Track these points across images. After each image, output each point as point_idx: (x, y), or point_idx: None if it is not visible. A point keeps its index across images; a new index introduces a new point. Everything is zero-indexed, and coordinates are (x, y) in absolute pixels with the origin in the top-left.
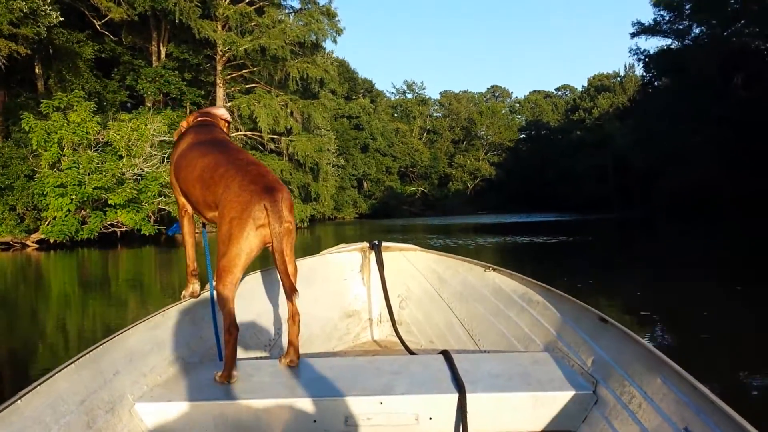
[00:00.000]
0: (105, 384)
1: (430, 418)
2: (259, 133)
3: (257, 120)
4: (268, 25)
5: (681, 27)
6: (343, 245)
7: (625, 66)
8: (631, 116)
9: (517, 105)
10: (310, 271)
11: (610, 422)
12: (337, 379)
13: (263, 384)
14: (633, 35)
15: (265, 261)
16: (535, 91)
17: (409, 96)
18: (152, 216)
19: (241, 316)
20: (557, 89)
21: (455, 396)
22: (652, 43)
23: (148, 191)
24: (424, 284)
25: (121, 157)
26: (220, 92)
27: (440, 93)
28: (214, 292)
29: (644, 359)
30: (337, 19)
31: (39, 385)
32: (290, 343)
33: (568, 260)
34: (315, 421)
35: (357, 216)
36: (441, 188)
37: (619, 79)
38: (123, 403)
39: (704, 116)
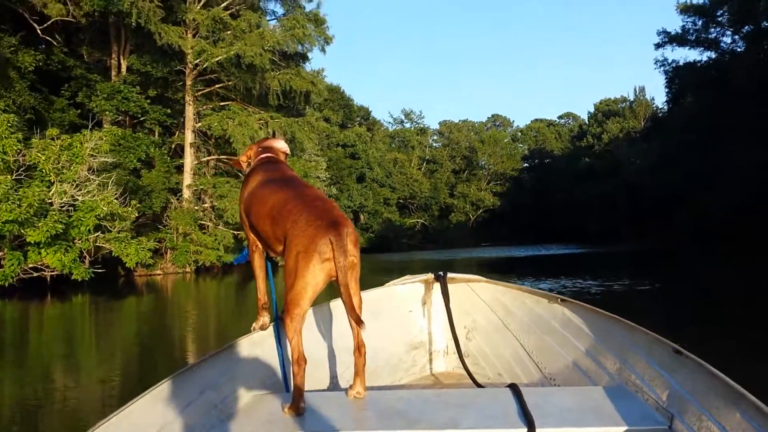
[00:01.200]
0: (178, 415)
1: None
2: (234, 157)
3: (231, 141)
4: (244, 30)
5: (713, 36)
6: (408, 276)
7: (635, 90)
8: (646, 140)
9: (519, 134)
10: (376, 303)
11: None
12: (405, 412)
13: (331, 416)
14: (658, 46)
15: (332, 293)
16: (537, 119)
17: (408, 125)
18: (87, 256)
19: (309, 348)
20: (560, 117)
21: (525, 431)
22: (678, 54)
23: (82, 225)
24: (491, 316)
25: (51, 184)
26: (190, 110)
27: (439, 123)
28: (282, 325)
29: (722, 393)
30: (325, 26)
31: (115, 415)
32: (356, 374)
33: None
34: None
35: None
36: (442, 220)
37: (628, 103)
38: None
39: (743, 133)
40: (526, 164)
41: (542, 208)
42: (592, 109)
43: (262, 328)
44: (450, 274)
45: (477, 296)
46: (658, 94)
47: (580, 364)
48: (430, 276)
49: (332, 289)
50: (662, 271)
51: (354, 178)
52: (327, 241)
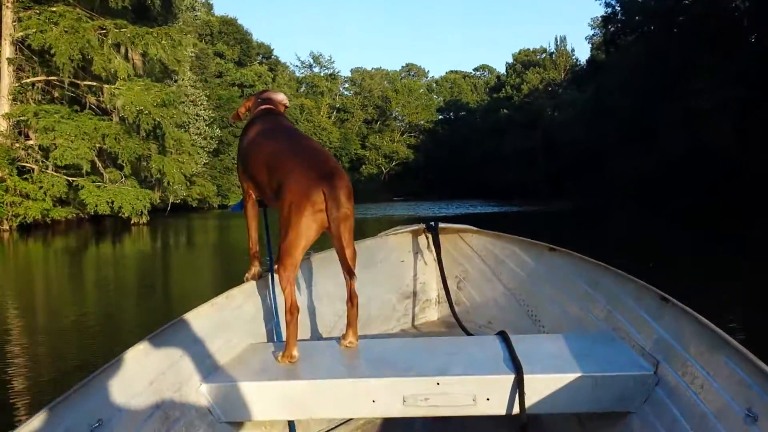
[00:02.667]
0: (172, 365)
1: (488, 399)
2: (62, 79)
3: (53, 54)
4: None
5: None
6: (399, 227)
7: (556, 39)
8: (568, 92)
9: (435, 84)
10: (368, 252)
11: (671, 403)
12: (395, 360)
13: (323, 364)
14: None
15: (326, 243)
16: (452, 71)
17: (316, 70)
18: None
19: (302, 298)
20: (476, 69)
21: (512, 377)
22: None
23: None
24: (481, 265)
25: None
26: (8, 16)
27: (351, 70)
28: (275, 275)
29: (707, 339)
30: None
31: (109, 366)
32: (349, 324)
33: None
34: (374, 401)
35: None
36: (353, 172)
37: (548, 54)
38: (189, 384)
39: (715, 76)
40: (441, 116)
41: (458, 163)
42: (510, 61)
43: (254, 277)
44: (441, 225)
45: (468, 246)
46: (579, 47)
47: (569, 312)
48: (422, 226)
49: (327, 240)
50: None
51: None
52: (320, 192)
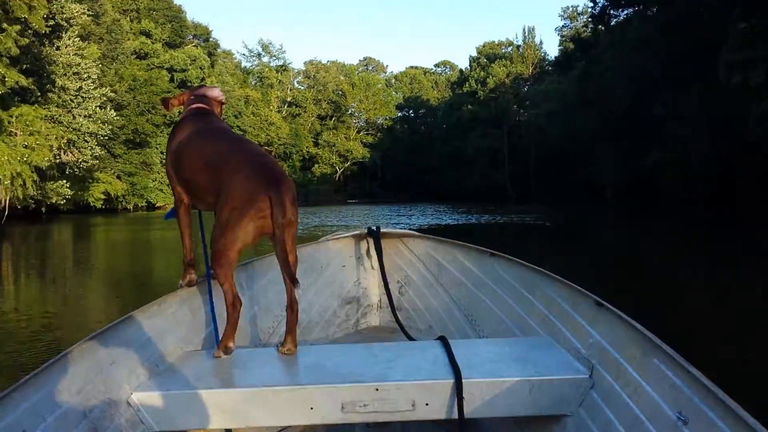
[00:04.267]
0: (101, 374)
1: (427, 404)
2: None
3: None
4: None
5: None
6: (340, 232)
7: (524, 30)
8: (538, 85)
9: (394, 80)
10: (309, 258)
11: (606, 406)
12: (335, 367)
13: (261, 372)
14: None
15: (265, 249)
16: (412, 66)
17: (265, 60)
18: None
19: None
20: (437, 65)
21: (452, 382)
22: None
23: None
24: (423, 270)
25: None
26: None
27: (305, 62)
28: (212, 274)
29: (640, 343)
30: None
31: (33, 376)
32: (288, 331)
33: None
34: (312, 408)
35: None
36: (304, 172)
37: (514, 46)
38: (120, 393)
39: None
40: (400, 114)
41: (418, 163)
42: (474, 54)
43: (189, 284)
44: (383, 229)
45: (410, 251)
46: (547, 42)
47: (508, 317)
48: (363, 231)
49: (265, 245)
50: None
51: None
52: (265, 198)
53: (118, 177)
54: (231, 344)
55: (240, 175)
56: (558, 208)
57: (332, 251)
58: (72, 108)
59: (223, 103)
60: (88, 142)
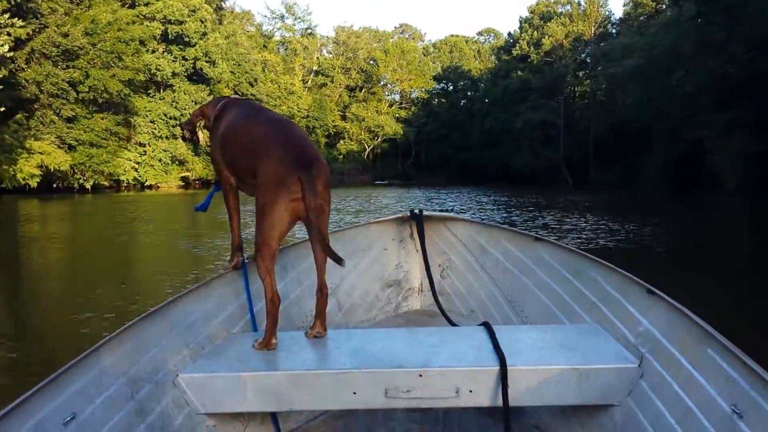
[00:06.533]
0: (148, 356)
1: (471, 391)
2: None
3: None
4: None
5: None
6: (384, 215)
7: None
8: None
9: (432, 48)
10: (352, 241)
11: (656, 397)
12: (378, 351)
13: (305, 355)
14: None
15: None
16: (453, 35)
17: (289, 22)
18: None
19: (282, 287)
20: (480, 33)
21: (496, 369)
22: None
23: None
24: (466, 254)
25: None
26: None
27: (334, 27)
28: (250, 266)
29: (692, 332)
30: None
31: (83, 358)
32: (317, 315)
33: None
34: (355, 393)
35: (182, 185)
36: (329, 149)
37: (573, 4)
38: (166, 375)
39: None
40: (438, 86)
41: (456, 141)
42: (525, 14)
43: (236, 267)
44: (426, 212)
45: (453, 234)
46: None
47: (554, 303)
48: (406, 214)
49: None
50: None
51: (183, 75)
52: (296, 181)
53: (71, 147)
54: (274, 340)
55: (272, 157)
56: (651, 205)
57: (374, 234)
58: None
59: None
60: None
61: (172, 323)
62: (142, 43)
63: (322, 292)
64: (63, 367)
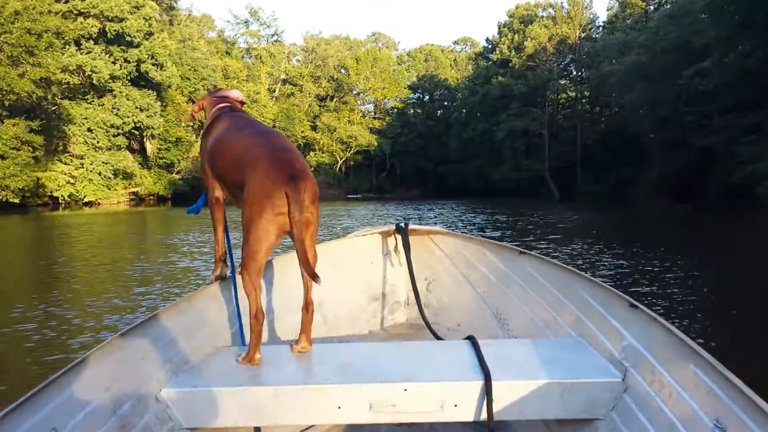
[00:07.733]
0: (131, 371)
1: (455, 405)
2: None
3: None
4: None
5: None
6: (369, 228)
7: None
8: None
9: (407, 57)
10: (337, 254)
11: (639, 411)
12: (363, 365)
13: (288, 370)
14: None
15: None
16: (429, 44)
17: (254, 27)
18: None
19: (267, 301)
20: (456, 42)
21: (481, 383)
22: None
23: None
24: (451, 268)
25: None
26: None
27: (303, 35)
28: (238, 278)
29: (675, 347)
30: None
31: (64, 373)
32: (302, 330)
33: None
34: (339, 407)
35: (132, 200)
36: None
37: (556, 7)
38: (149, 390)
39: None
40: (414, 96)
41: (433, 153)
42: (504, 19)
43: (219, 278)
44: (411, 226)
45: (438, 248)
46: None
47: (538, 317)
48: (391, 227)
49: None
50: None
51: (125, 78)
52: (282, 195)
53: None
54: (258, 355)
55: (259, 171)
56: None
57: (359, 247)
58: None
59: (243, 103)
60: None
61: (156, 337)
62: (77, 43)
63: (308, 309)
64: (44, 383)
